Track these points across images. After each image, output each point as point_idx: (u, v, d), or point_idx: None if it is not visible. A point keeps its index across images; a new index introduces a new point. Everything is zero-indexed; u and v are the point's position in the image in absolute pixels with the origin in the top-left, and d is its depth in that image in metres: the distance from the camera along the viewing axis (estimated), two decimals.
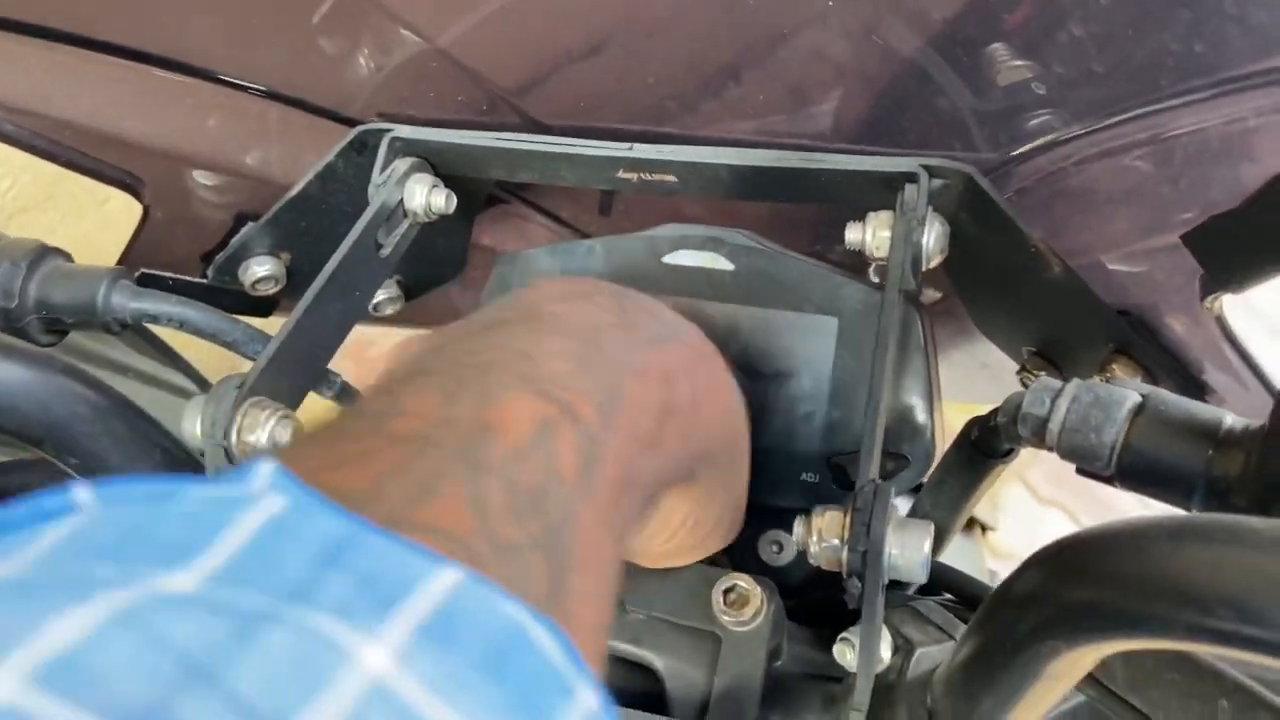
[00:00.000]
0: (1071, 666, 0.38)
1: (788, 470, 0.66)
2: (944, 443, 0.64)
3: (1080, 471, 0.41)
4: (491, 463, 0.28)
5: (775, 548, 0.74)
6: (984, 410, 0.54)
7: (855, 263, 0.74)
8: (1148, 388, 0.40)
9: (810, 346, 0.65)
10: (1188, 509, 0.38)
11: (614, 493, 0.31)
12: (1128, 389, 0.39)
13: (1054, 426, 0.40)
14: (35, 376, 0.46)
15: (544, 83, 0.62)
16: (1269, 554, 0.30)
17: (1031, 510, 2.29)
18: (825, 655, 0.61)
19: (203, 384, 0.67)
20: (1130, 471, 0.38)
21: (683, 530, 0.49)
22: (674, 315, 0.46)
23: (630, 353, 0.37)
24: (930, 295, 0.75)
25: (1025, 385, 0.62)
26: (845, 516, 0.42)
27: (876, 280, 0.66)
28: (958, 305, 0.73)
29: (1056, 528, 2.26)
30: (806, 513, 0.44)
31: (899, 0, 0.48)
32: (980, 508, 0.82)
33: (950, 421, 0.67)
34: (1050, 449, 0.41)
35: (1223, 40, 0.36)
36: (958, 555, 0.74)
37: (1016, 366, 0.67)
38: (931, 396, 0.63)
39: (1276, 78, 0.36)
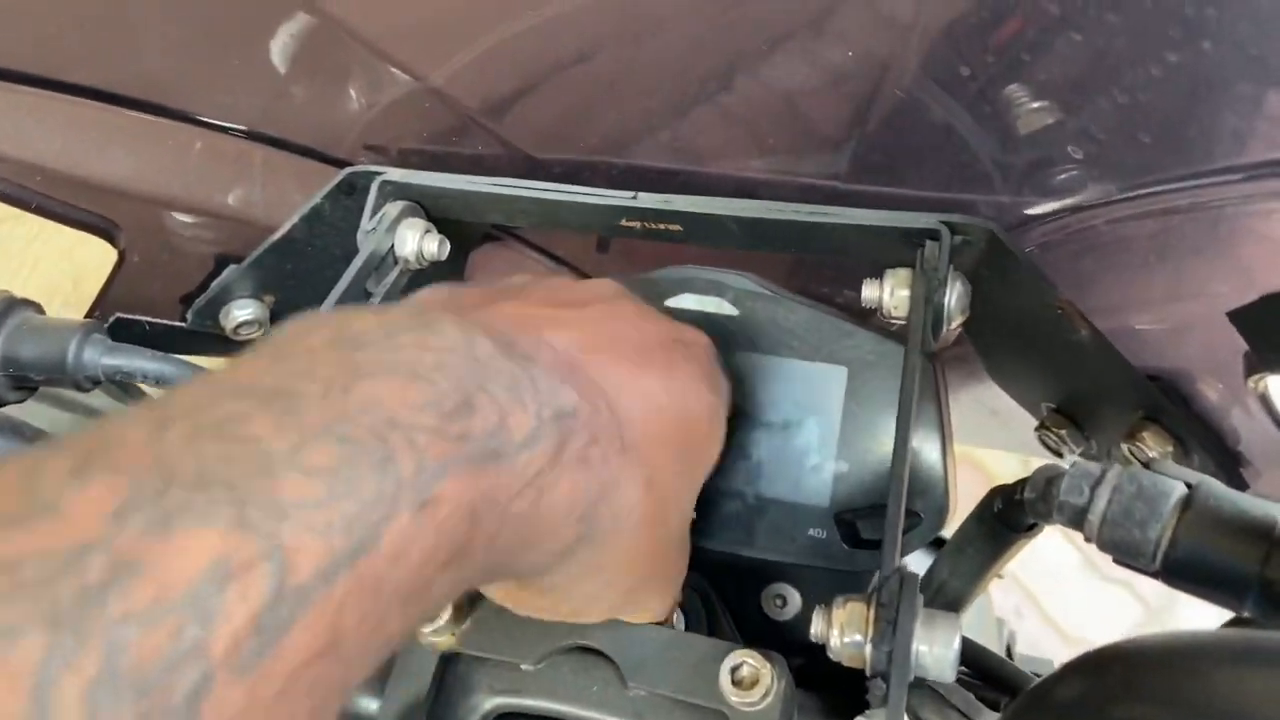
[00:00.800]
0: None
1: (792, 524, 0.63)
2: (956, 492, 0.62)
3: (1119, 563, 0.39)
4: (98, 623, 0.20)
5: (779, 602, 0.71)
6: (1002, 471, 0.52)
7: (863, 308, 0.72)
8: (1196, 476, 0.37)
9: (818, 396, 0.63)
10: (1239, 612, 0.36)
11: (300, 670, 0.23)
12: (1173, 478, 0.37)
13: (1094, 519, 0.37)
14: None
15: (538, 119, 0.59)
16: None
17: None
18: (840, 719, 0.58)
19: None
20: (1177, 570, 0.36)
21: (544, 608, 0.44)
22: (632, 329, 0.41)
23: (443, 465, 0.27)
24: (943, 340, 0.73)
25: (1044, 443, 0.60)
26: (869, 610, 0.39)
27: (886, 326, 0.64)
28: (968, 350, 0.70)
29: (1049, 543, 2.24)
30: (827, 604, 0.41)
31: (921, 46, 0.45)
32: None
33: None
34: (1088, 540, 0.38)
35: None
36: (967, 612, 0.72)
37: (1025, 416, 0.64)
38: (945, 449, 0.60)
39: None
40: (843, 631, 0.39)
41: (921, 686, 0.49)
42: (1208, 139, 0.36)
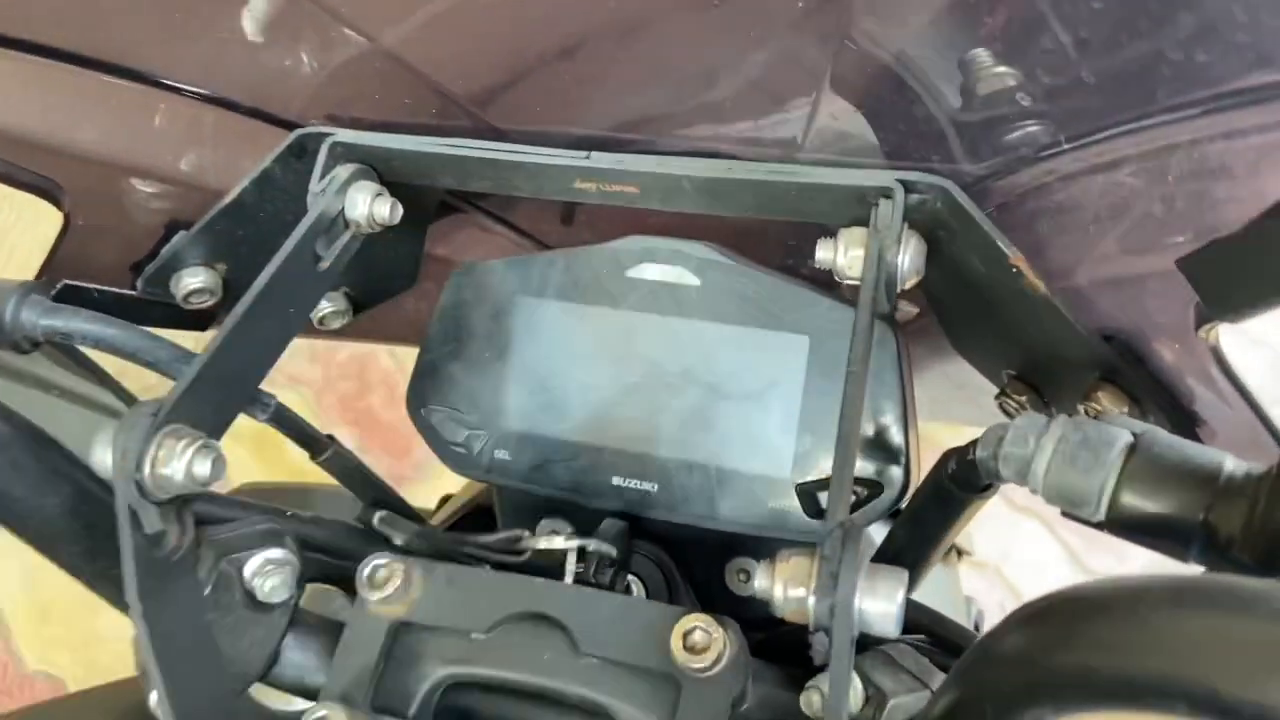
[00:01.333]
0: None
1: (755, 496, 0.62)
2: (920, 465, 0.61)
3: (1066, 515, 0.38)
4: None
5: (742, 576, 0.71)
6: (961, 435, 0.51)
7: (828, 278, 0.71)
8: (1141, 426, 0.36)
9: (780, 366, 0.62)
10: (1184, 560, 0.35)
11: None
12: (1118, 427, 0.36)
13: (1038, 468, 0.37)
14: None
15: (498, 85, 0.58)
16: None
17: (1005, 517, 2.27)
18: (794, 695, 0.58)
19: (131, 402, 0.63)
20: (1121, 520, 0.35)
21: None
22: None
23: None
24: (906, 312, 0.72)
25: (1005, 410, 0.59)
26: (812, 563, 0.38)
27: (848, 296, 0.63)
28: (934, 323, 0.69)
29: (1031, 537, 2.24)
30: (771, 558, 0.40)
31: (874, 3, 0.44)
32: None
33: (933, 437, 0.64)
34: (1034, 491, 0.38)
35: (1228, 50, 0.32)
36: (931, 584, 0.71)
37: (990, 389, 0.63)
38: (907, 419, 0.60)
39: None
40: (786, 585, 0.38)
41: (874, 649, 0.49)
42: (1151, 76, 0.35)
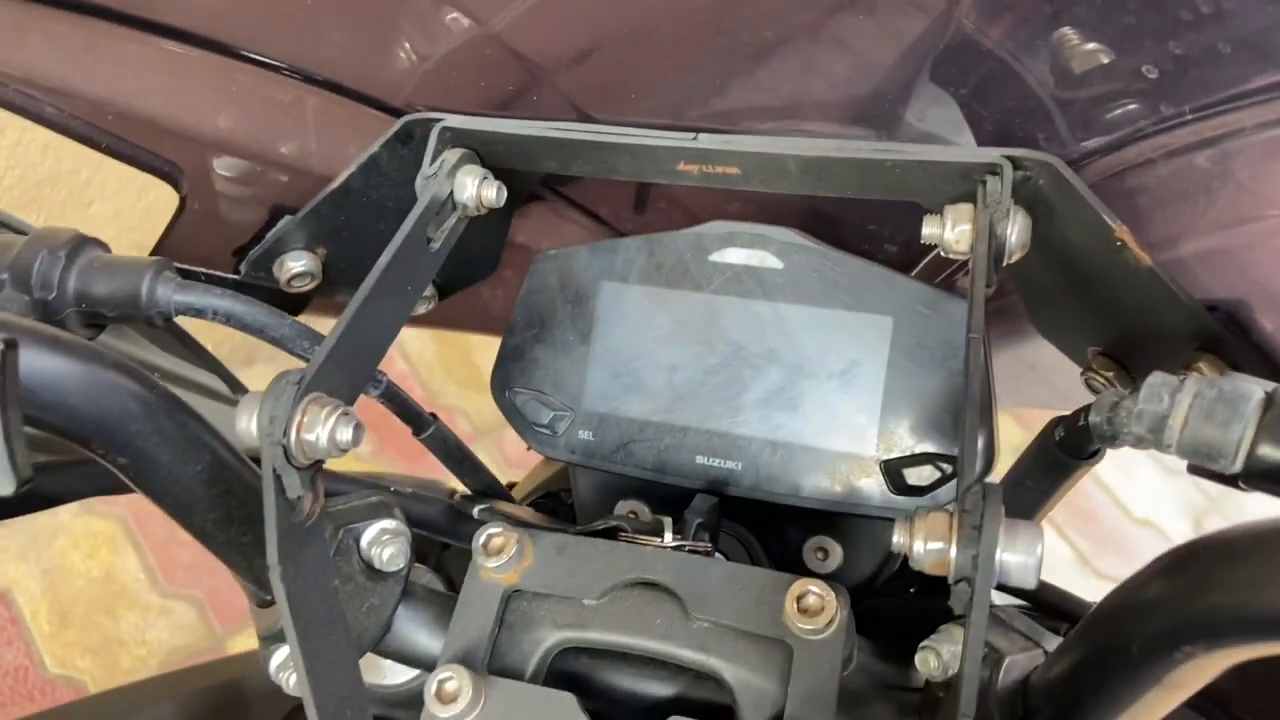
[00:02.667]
0: (1197, 674, 0.36)
1: (838, 474, 0.64)
2: (999, 444, 0.63)
3: (1194, 470, 0.40)
4: None
5: (821, 554, 0.72)
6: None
7: (904, 262, 0.73)
8: (1271, 384, 0.38)
9: (863, 346, 0.64)
10: None
11: None
12: (1252, 384, 0.38)
13: (1175, 423, 0.38)
14: (86, 370, 0.43)
15: (596, 71, 0.60)
16: None
17: None
18: (890, 666, 0.59)
19: (235, 384, 0.64)
20: (1259, 470, 0.37)
21: None
22: None
23: None
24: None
25: (1090, 386, 0.61)
26: (952, 518, 0.40)
27: (927, 278, 0.65)
28: (1006, 304, 0.71)
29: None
30: (908, 516, 0.42)
31: None
32: None
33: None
34: (1167, 447, 0.39)
35: None
36: None
37: (1066, 367, 0.65)
38: (990, 397, 0.62)
39: None
40: (926, 539, 0.40)
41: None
42: (1274, 48, 0.37)
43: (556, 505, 0.85)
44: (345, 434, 0.45)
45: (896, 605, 0.66)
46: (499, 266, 0.74)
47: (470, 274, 0.73)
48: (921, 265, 0.70)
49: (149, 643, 2.31)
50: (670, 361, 0.67)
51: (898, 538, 0.41)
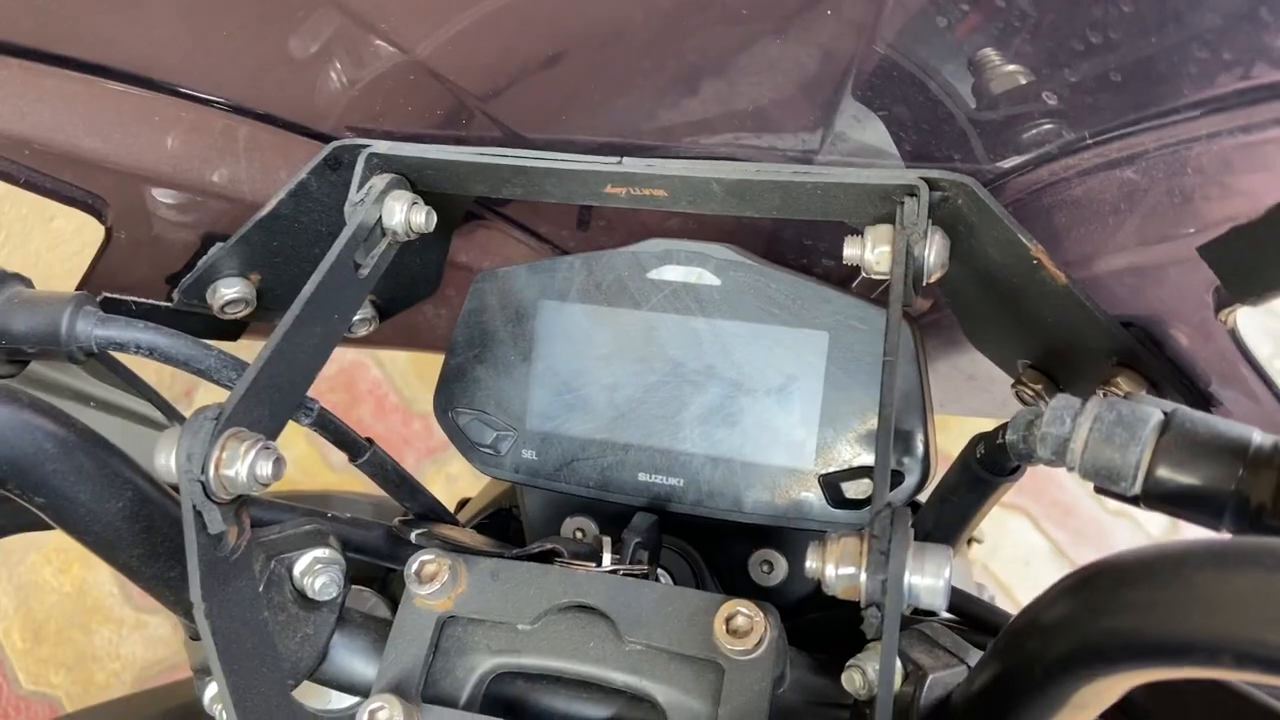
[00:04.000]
0: (1100, 695, 0.37)
1: (779, 488, 0.64)
2: (937, 455, 0.64)
3: (1100, 491, 0.40)
4: None
5: (766, 568, 0.73)
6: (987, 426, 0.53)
7: (841, 276, 0.73)
8: (1170, 405, 0.39)
9: (800, 361, 0.64)
10: (1217, 529, 0.37)
11: None
12: (1150, 406, 0.38)
13: (1076, 446, 0.39)
14: None
15: (524, 94, 0.60)
16: None
17: (992, 515, 2.30)
18: (826, 681, 0.60)
19: (170, 412, 0.64)
20: (1156, 492, 0.37)
21: None
22: None
23: None
24: (919, 306, 0.75)
25: (1021, 398, 0.61)
26: (862, 543, 0.40)
27: (863, 293, 0.65)
28: (944, 316, 0.72)
29: (1018, 533, 2.27)
30: (820, 539, 0.42)
31: (896, 10, 0.46)
32: None
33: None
34: (1070, 469, 0.40)
35: (1254, 48, 0.35)
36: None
37: (1003, 378, 0.66)
38: (925, 409, 0.62)
39: None
40: (837, 564, 0.40)
41: (909, 629, 0.51)
42: (1174, 75, 0.37)
43: (508, 521, 0.85)
44: (265, 469, 0.45)
45: (839, 617, 0.66)
46: (441, 286, 0.74)
47: (411, 294, 0.73)
48: (859, 280, 0.70)
49: (123, 657, 2.29)
50: (611, 379, 0.67)
51: (810, 562, 0.42)
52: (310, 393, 0.54)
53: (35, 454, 0.44)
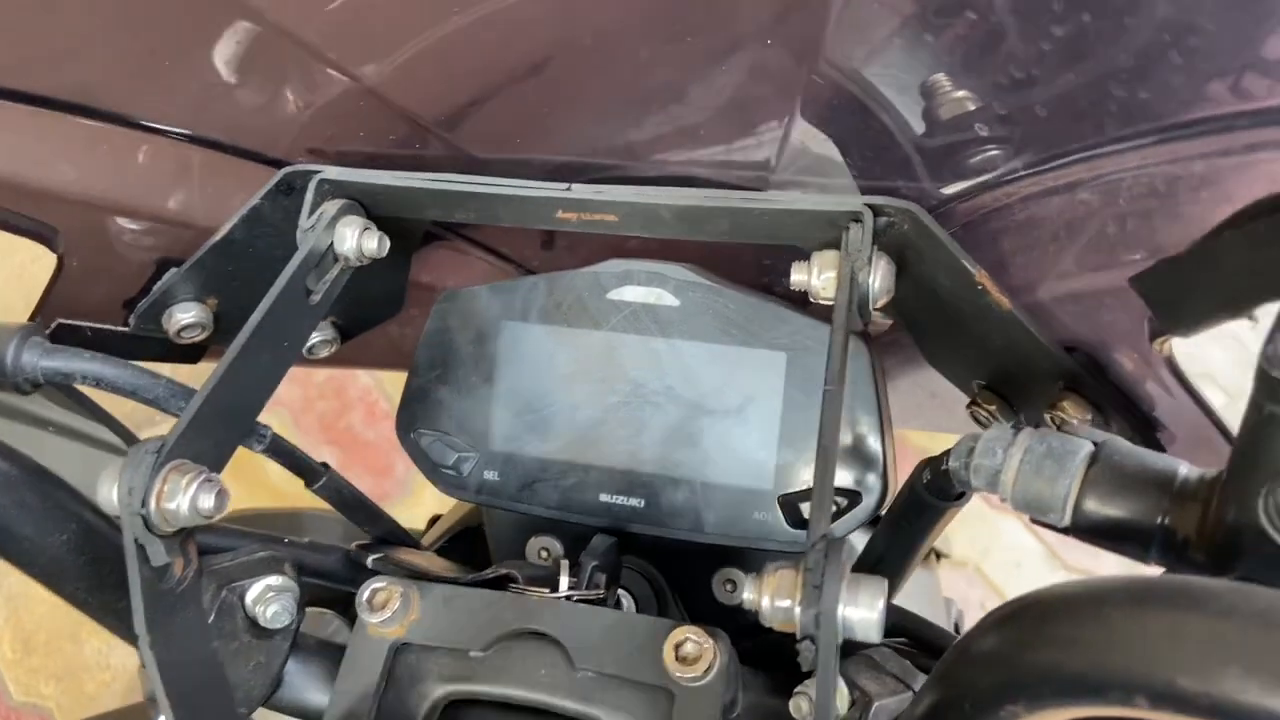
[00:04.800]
0: None
1: (739, 509, 0.64)
2: (896, 472, 0.64)
3: (1035, 522, 0.40)
4: None
5: (729, 586, 0.72)
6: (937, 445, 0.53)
7: (800, 297, 0.73)
8: (1102, 436, 0.39)
9: (759, 382, 0.64)
10: (1145, 562, 0.37)
11: None
12: (1081, 438, 0.38)
13: (1006, 478, 0.39)
14: None
15: (476, 118, 0.60)
16: (1234, 620, 0.29)
17: (985, 516, 2.30)
18: (781, 702, 0.60)
19: (128, 437, 0.64)
20: (1085, 525, 0.37)
21: None
22: None
23: None
24: (879, 325, 0.75)
25: (976, 419, 0.61)
26: (797, 575, 0.40)
27: (822, 314, 0.65)
28: (905, 335, 0.72)
29: (1010, 535, 2.27)
30: (758, 572, 0.42)
31: (839, 35, 0.47)
32: None
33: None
34: (1004, 500, 0.40)
35: (1167, 88, 0.35)
36: (912, 586, 0.73)
37: (963, 397, 0.66)
38: (882, 428, 0.62)
39: (1221, 125, 0.35)
40: (773, 597, 0.40)
41: (857, 654, 0.51)
42: (1100, 109, 0.38)
43: (474, 540, 0.85)
44: (208, 501, 0.45)
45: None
46: (405, 306, 0.74)
47: (373, 316, 0.73)
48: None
49: (113, 667, 2.29)
50: (572, 400, 0.67)
51: (748, 594, 0.42)
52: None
53: None
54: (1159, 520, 0.36)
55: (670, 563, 0.71)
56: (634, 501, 0.66)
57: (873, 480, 0.61)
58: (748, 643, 0.61)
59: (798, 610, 0.39)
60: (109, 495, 0.46)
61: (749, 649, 0.61)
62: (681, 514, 0.66)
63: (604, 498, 0.67)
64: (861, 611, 0.39)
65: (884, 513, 0.61)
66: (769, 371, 0.64)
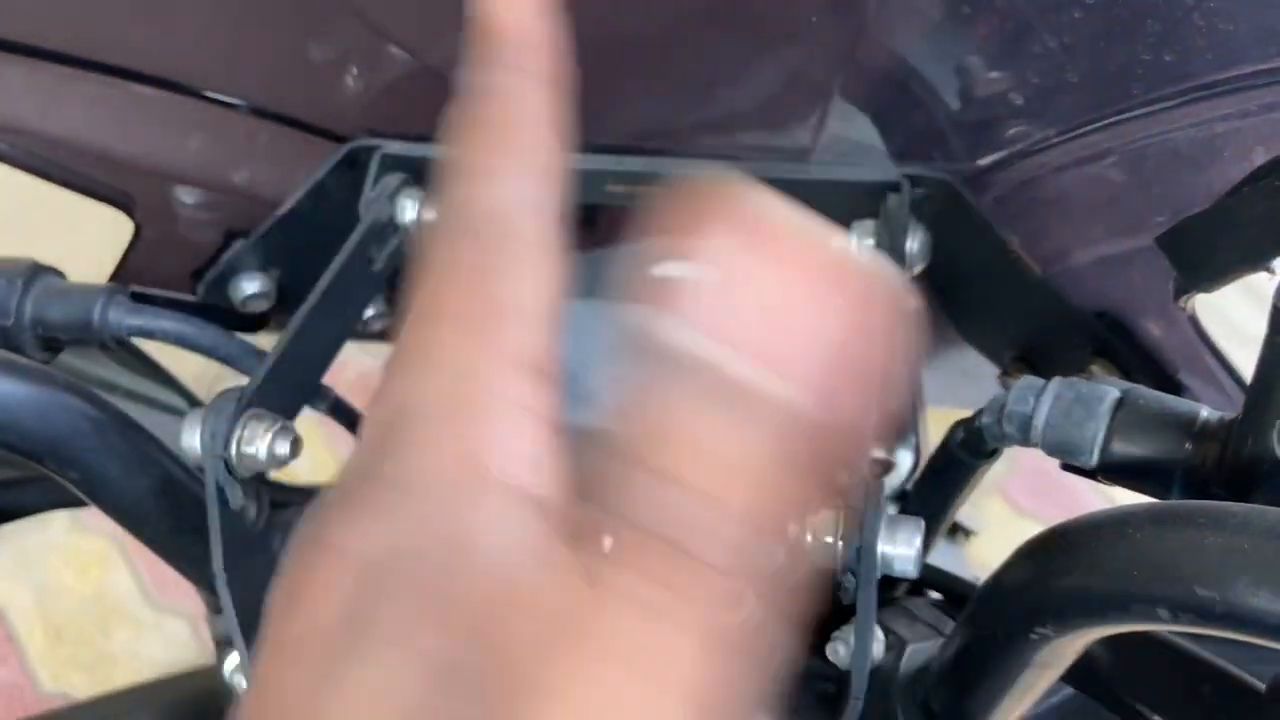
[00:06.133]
0: (1060, 654, 0.39)
1: None
2: (927, 449, 0.66)
3: (1065, 467, 0.43)
4: None
5: None
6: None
7: None
8: (1127, 384, 0.41)
9: None
10: (1168, 499, 0.40)
11: None
12: (1108, 385, 0.41)
13: (1038, 422, 0.42)
14: (38, 391, 0.46)
15: None
16: (1246, 535, 0.32)
17: (1010, 523, 2.32)
18: (815, 660, 0.62)
19: (193, 401, 0.67)
20: (1111, 465, 0.40)
21: None
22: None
23: None
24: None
25: (1006, 389, 0.64)
26: (838, 514, 0.43)
27: None
28: (940, 315, 0.74)
29: (1011, 546, 2.28)
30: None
31: (878, 16, 0.49)
32: (962, 511, 0.83)
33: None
34: (1035, 445, 0.42)
35: (1190, 50, 0.37)
36: (940, 558, 0.76)
37: (993, 371, 0.68)
38: (916, 403, 0.65)
39: (1240, 85, 0.38)
40: (816, 534, 0.43)
41: (894, 605, 0.53)
42: (1126, 75, 0.40)
43: None
44: (283, 448, 0.48)
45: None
46: None
47: None
48: None
49: (142, 658, 2.33)
50: (616, 372, 0.70)
51: (791, 532, 0.44)
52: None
53: (71, 432, 0.48)
54: (1181, 458, 0.39)
55: None
56: None
57: (905, 453, 0.64)
58: None
59: (839, 545, 0.42)
60: (192, 441, 0.49)
61: None
62: None
63: None
64: (900, 548, 0.42)
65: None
66: None
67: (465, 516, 0.19)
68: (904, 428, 0.65)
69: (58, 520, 2.37)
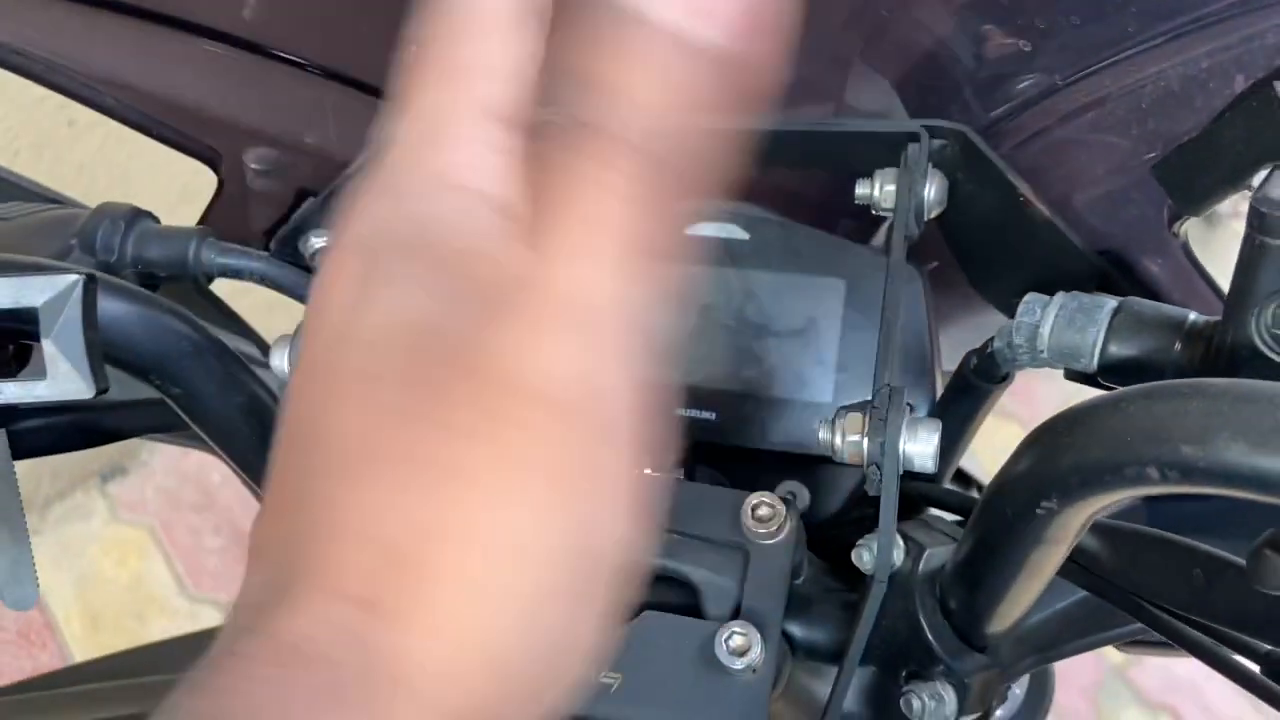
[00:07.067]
0: (1065, 528, 0.44)
1: (802, 422, 0.72)
2: (941, 383, 0.71)
3: (1068, 375, 0.48)
4: None
5: (790, 496, 0.80)
6: None
7: (857, 235, 0.81)
8: (1123, 297, 0.46)
9: (821, 306, 0.72)
10: None
11: None
12: (1106, 296, 0.46)
13: (1045, 330, 0.47)
14: (148, 313, 0.52)
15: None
16: (1224, 400, 0.37)
17: None
18: (839, 580, 0.67)
19: (263, 346, 0.73)
20: (1109, 366, 0.45)
21: None
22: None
23: None
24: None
25: None
26: (864, 416, 0.48)
27: (879, 248, 0.73)
28: (952, 275, 0.79)
29: None
30: (831, 417, 0.50)
31: None
32: (980, 468, 0.88)
33: None
34: (1040, 354, 0.47)
35: None
36: None
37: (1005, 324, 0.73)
38: (932, 354, 0.70)
39: (1223, 15, 0.43)
40: (844, 434, 0.48)
41: (914, 519, 0.58)
42: (1122, 14, 0.45)
43: None
44: None
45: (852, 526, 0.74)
46: None
47: None
48: (875, 238, 0.78)
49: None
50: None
51: (823, 435, 0.49)
52: None
53: (175, 351, 0.53)
54: (1172, 358, 0.43)
55: (737, 473, 0.78)
56: (707, 414, 0.74)
57: (920, 397, 0.69)
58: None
59: (865, 442, 0.47)
60: (280, 363, 0.54)
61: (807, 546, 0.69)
62: (749, 426, 0.73)
63: (679, 412, 0.74)
64: (919, 446, 0.47)
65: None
66: (830, 296, 0.72)
67: (437, 203, 0.26)
68: (919, 372, 0.70)
69: (98, 512, 2.44)
